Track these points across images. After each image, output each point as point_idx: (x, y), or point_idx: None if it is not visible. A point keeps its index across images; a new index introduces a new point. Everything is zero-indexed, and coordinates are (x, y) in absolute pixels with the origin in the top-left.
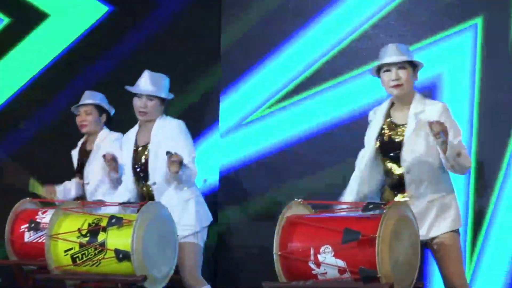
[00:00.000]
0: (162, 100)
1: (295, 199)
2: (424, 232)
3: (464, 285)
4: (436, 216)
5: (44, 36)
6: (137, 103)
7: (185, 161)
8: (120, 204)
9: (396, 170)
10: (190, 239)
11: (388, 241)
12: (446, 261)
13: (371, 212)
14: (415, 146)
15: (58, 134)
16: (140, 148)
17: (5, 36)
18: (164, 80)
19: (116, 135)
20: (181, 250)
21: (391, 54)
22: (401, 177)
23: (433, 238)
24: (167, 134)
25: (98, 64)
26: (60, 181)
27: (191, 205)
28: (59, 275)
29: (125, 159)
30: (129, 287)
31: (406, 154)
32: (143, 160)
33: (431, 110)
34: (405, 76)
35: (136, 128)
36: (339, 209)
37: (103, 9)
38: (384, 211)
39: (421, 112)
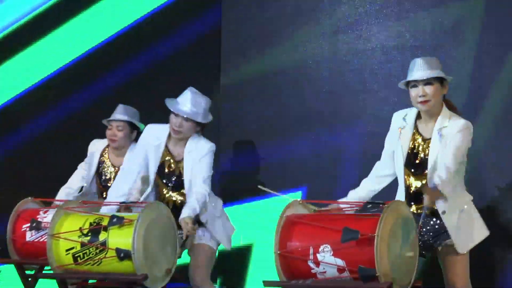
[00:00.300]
0: (200, 123)
1: (295, 199)
2: (465, 243)
3: (466, 287)
4: (471, 227)
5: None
6: (173, 120)
7: (202, 178)
8: (121, 203)
9: (414, 182)
10: (205, 241)
11: (387, 240)
12: (453, 263)
13: (370, 212)
14: (440, 164)
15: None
16: (172, 160)
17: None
18: (205, 104)
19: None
20: (196, 251)
21: (417, 69)
22: (418, 190)
23: (442, 241)
24: (199, 156)
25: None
26: (60, 181)
27: (224, 218)
28: (61, 274)
29: (150, 161)
30: (130, 286)
31: (432, 172)
32: (171, 170)
33: (452, 126)
34: (432, 92)
35: (166, 133)
36: (338, 209)
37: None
38: (383, 210)
39: (444, 127)
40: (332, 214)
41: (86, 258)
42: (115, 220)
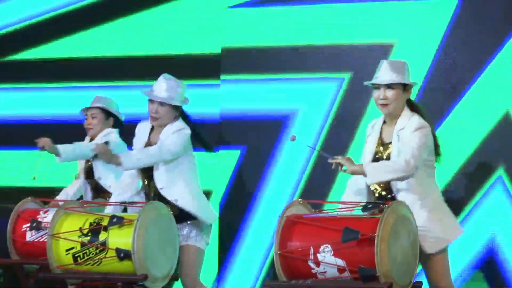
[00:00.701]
0: (176, 106)
1: (295, 199)
2: (433, 243)
3: (449, 286)
4: (441, 225)
5: None
6: (149, 107)
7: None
8: (121, 203)
9: (378, 187)
10: (192, 242)
11: (387, 240)
12: (432, 262)
13: (370, 212)
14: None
15: None
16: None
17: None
18: (179, 87)
19: (107, 130)
20: (183, 254)
21: (381, 72)
22: (382, 196)
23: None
24: (168, 134)
25: None
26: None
27: (200, 200)
28: (61, 274)
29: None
30: (130, 287)
31: None
32: None
33: (409, 127)
34: (392, 96)
35: (150, 124)
36: (338, 209)
37: None
38: (383, 210)
39: (401, 129)
40: (332, 214)
41: (86, 258)
42: (115, 220)
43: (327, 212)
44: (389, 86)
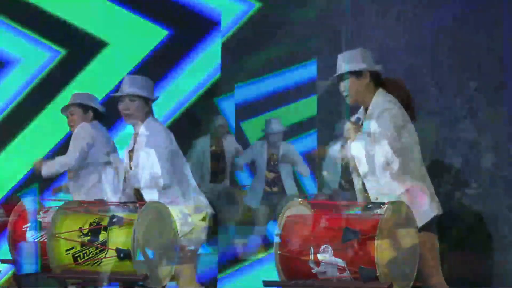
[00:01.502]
0: (146, 101)
1: (295, 199)
2: None
3: (440, 283)
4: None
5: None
6: (120, 106)
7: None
8: (120, 203)
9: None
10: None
11: (387, 240)
12: (421, 260)
13: (371, 212)
14: (363, 151)
15: None
16: (131, 152)
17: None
18: (145, 82)
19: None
20: None
21: (337, 65)
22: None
23: None
24: (143, 143)
25: None
26: None
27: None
28: (61, 274)
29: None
30: (131, 286)
31: (358, 161)
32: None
33: (373, 113)
34: (348, 87)
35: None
36: (338, 209)
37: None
38: (384, 210)
39: (370, 115)
40: (332, 214)
41: (86, 258)
42: (115, 220)
43: (327, 212)
44: (341, 77)
